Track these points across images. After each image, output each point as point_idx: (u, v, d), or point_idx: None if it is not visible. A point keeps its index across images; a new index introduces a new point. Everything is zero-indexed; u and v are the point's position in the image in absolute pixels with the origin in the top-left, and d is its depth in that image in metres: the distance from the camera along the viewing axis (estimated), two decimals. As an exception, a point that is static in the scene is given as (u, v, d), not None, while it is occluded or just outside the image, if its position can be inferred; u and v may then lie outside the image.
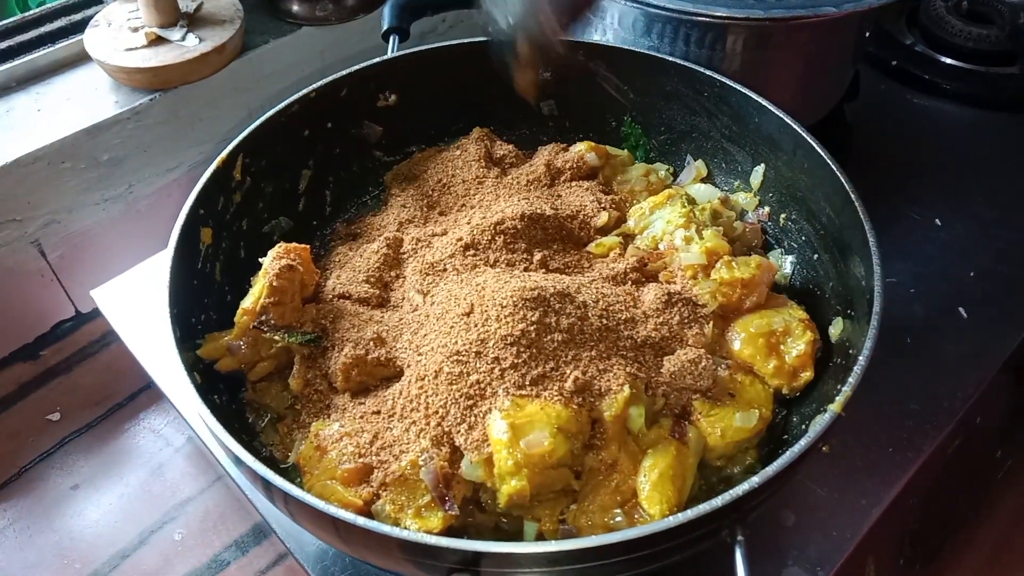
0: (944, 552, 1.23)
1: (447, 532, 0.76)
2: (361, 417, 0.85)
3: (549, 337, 0.83)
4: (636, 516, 0.78)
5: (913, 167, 1.38)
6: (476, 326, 0.84)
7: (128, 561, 1.08)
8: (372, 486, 0.79)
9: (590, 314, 0.87)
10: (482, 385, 0.80)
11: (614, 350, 0.86)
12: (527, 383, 0.80)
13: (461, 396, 0.80)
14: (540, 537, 0.79)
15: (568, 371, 0.81)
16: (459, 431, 0.79)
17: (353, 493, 0.79)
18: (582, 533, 0.78)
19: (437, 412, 0.81)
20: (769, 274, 0.96)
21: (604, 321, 0.87)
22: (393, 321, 0.95)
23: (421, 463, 0.78)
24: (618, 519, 0.78)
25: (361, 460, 0.81)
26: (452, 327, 0.86)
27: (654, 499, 0.77)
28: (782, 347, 0.91)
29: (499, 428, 0.77)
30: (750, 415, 0.86)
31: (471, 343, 0.83)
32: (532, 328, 0.82)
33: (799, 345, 0.90)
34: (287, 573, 1.06)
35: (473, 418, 0.80)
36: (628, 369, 0.84)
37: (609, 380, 0.82)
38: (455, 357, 0.82)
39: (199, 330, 0.92)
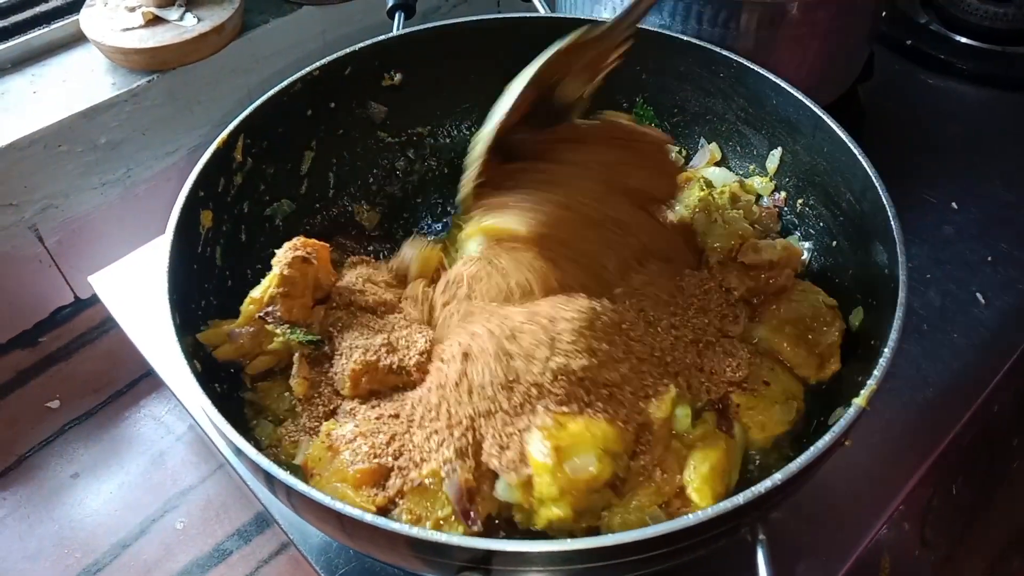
0: (960, 542, 1.21)
1: None
2: (377, 419, 0.82)
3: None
4: (678, 510, 0.75)
5: (928, 149, 1.35)
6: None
7: (129, 550, 1.06)
8: (388, 492, 0.76)
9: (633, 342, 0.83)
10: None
11: (658, 366, 0.83)
12: (569, 399, 0.75)
13: (495, 409, 0.76)
14: None
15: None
16: (491, 451, 0.75)
17: (366, 498, 0.75)
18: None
19: (461, 423, 0.76)
20: (795, 258, 0.93)
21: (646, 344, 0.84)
22: (403, 330, 0.91)
23: (444, 475, 0.74)
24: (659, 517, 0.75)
25: (376, 461, 0.77)
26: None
27: (705, 493, 0.74)
28: (810, 335, 0.88)
29: (540, 450, 0.71)
30: (789, 407, 0.83)
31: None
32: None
33: (832, 334, 0.87)
34: (290, 563, 1.04)
35: (506, 437, 0.75)
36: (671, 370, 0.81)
37: (654, 383, 0.79)
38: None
39: (199, 316, 0.90)
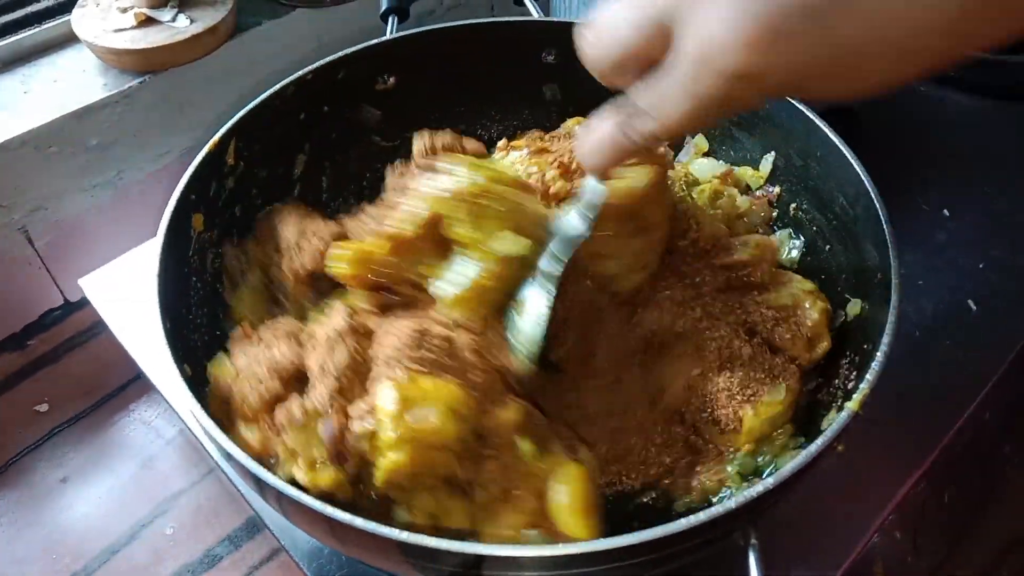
0: (954, 549, 1.21)
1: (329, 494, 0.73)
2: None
3: None
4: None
5: (921, 157, 1.35)
6: None
7: (118, 555, 1.05)
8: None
9: None
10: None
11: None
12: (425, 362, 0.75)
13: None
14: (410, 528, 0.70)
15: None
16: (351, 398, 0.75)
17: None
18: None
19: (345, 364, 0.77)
20: (770, 252, 0.93)
21: None
22: None
23: (321, 411, 0.74)
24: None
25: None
26: None
27: (581, 527, 0.70)
28: (792, 319, 0.88)
29: (388, 398, 0.71)
30: (778, 388, 0.82)
31: None
32: None
33: (812, 314, 0.87)
34: (281, 568, 1.04)
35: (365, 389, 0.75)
36: None
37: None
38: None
39: (189, 320, 0.90)
